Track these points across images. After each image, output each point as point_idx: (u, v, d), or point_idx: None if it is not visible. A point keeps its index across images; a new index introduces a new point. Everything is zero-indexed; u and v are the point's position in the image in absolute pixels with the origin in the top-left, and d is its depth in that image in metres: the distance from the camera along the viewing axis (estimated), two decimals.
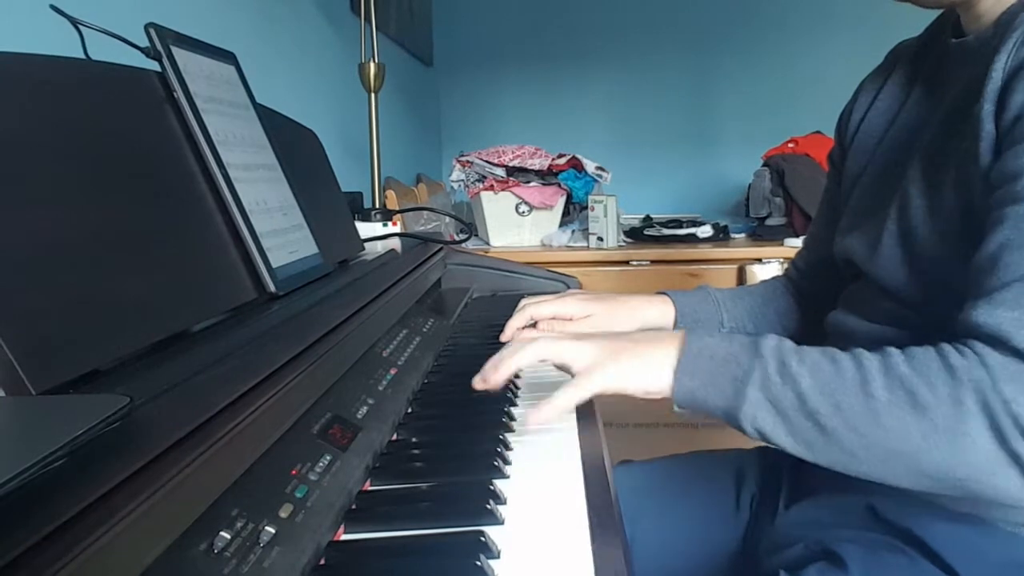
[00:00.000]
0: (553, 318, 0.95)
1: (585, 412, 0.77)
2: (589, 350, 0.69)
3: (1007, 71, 0.66)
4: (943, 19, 0.84)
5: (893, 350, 0.62)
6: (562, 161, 2.28)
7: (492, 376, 0.71)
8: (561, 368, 0.72)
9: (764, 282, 1.09)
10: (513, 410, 0.79)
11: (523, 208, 2.28)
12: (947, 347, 0.60)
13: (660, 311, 0.99)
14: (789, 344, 0.65)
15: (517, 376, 0.90)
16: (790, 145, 2.38)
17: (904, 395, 0.59)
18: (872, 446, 0.60)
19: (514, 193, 2.27)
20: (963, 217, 0.69)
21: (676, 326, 0.98)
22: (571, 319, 0.94)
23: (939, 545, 0.70)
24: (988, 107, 0.66)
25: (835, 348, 0.65)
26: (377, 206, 1.69)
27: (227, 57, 0.85)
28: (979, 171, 0.67)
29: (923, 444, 0.58)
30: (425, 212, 1.90)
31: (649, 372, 0.67)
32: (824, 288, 0.95)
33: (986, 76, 0.67)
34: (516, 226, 2.30)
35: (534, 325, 0.95)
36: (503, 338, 0.94)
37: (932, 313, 0.71)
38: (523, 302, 0.97)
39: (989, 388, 0.56)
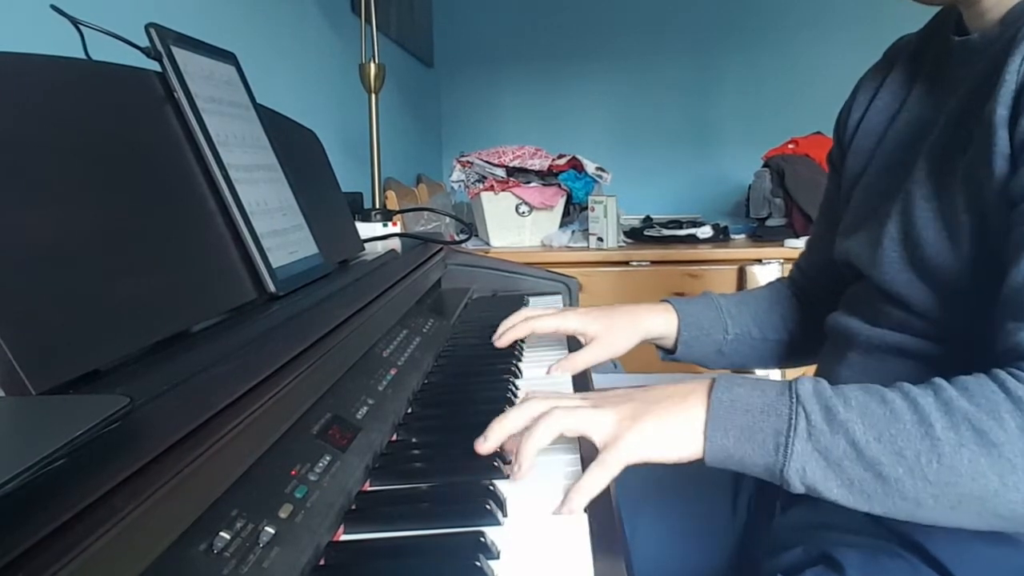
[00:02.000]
0: (555, 333, 0.96)
1: None
2: (608, 420, 0.63)
3: (1021, 75, 0.64)
4: (943, 15, 0.83)
5: (943, 383, 0.58)
6: (562, 161, 2.28)
7: (509, 447, 0.65)
8: (580, 438, 0.66)
9: (768, 285, 1.08)
10: None
11: (523, 208, 2.29)
12: (1003, 374, 0.56)
13: (663, 320, 0.98)
14: (827, 386, 0.60)
15: (516, 382, 0.90)
16: (790, 145, 2.39)
17: (972, 434, 0.54)
18: (941, 493, 0.55)
19: (514, 193, 2.27)
20: (973, 224, 0.67)
21: (679, 334, 0.98)
22: (572, 333, 0.95)
23: (937, 550, 0.69)
24: (1002, 112, 0.64)
25: (880, 386, 0.60)
26: (377, 206, 1.69)
27: (227, 57, 0.85)
28: (992, 180, 0.65)
29: (1000, 486, 0.54)
30: (425, 212, 1.90)
31: (677, 437, 0.61)
32: (828, 290, 0.94)
33: (998, 78, 0.65)
34: (516, 226, 2.30)
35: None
36: (499, 344, 0.94)
37: (938, 319, 0.70)
38: (524, 312, 0.97)
39: None
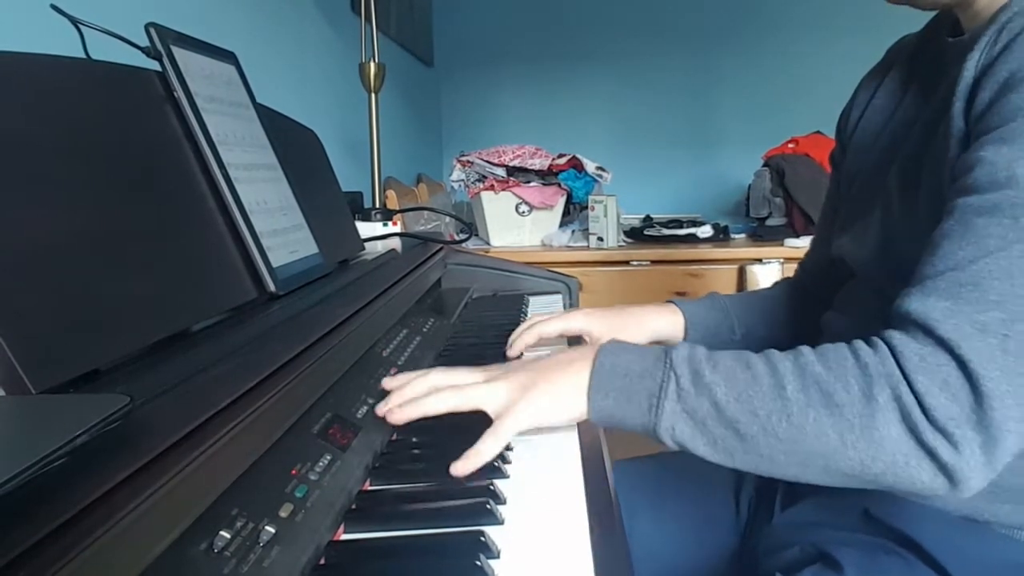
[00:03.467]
0: (561, 335, 0.96)
1: None
2: (500, 391, 0.67)
3: (978, 68, 0.66)
4: (941, 17, 0.84)
5: (806, 349, 0.62)
6: (562, 161, 2.28)
7: (395, 416, 0.67)
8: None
9: (773, 286, 1.09)
10: None
11: (523, 208, 2.29)
12: (859, 343, 0.61)
13: (669, 321, 0.99)
14: (702, 352, 0.65)
15: None
16: (790, 145, 2.38)
17: (819, 395, 0.59)
18: (791, 450, 0.59)
19: (514, 193, 2.27)
20: (935, 214, 0.69)
21: (686, 336, 0.99)
22: (577, 333, 0.95)
23: (933, 547, 0.70)
24: (959, 104, 0.67)
25: (750, 352, 0.64)
26: (377, 206, 1.69)
27: (227, 57, 0.85)
28: (949, 167, 0.67)
29: (839, 443, 0.58)
30: (425, 212, 1.90)
31: (564, 401, 0.66)
32: (831, 289, 0.94)
33: (961, 74, 0.67)
34: (516, 226, 2.30)
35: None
36: (511, 353, 0.94)
37: None
38: (531, 318, 0.97)
39: (900, 382, 0.57)
